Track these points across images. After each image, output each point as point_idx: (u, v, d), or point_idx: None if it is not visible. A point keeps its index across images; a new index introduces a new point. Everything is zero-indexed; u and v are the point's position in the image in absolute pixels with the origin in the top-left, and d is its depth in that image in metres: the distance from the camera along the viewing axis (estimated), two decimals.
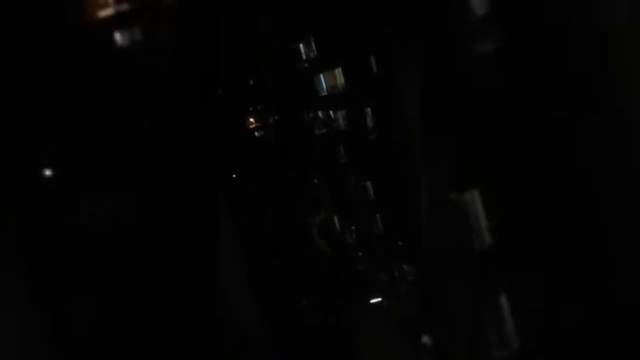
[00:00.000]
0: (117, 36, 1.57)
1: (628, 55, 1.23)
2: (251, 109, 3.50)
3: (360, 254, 3.40)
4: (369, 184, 3.23)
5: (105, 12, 1.54)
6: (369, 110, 3.03)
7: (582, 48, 1.28)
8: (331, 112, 3.35)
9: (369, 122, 3.05)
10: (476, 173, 1.54)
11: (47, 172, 1.70)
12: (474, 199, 1.48)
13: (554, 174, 1.37)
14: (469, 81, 1.51)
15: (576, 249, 1.35)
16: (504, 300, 1.49)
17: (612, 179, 1.29)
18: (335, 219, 3.57)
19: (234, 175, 3.23)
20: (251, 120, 3.46)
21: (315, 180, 3.58)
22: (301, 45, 3.30)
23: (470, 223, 1.50)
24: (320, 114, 3.41)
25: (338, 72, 3.15)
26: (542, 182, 1.38)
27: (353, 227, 3.42)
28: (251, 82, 3.44)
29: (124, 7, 1.57)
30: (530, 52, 1.37)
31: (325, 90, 3.29)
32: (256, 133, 3.52)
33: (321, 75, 3.26)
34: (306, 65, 3.31)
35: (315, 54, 3.24)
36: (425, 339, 2.34)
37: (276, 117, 3.51)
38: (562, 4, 1.30)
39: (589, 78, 1.28)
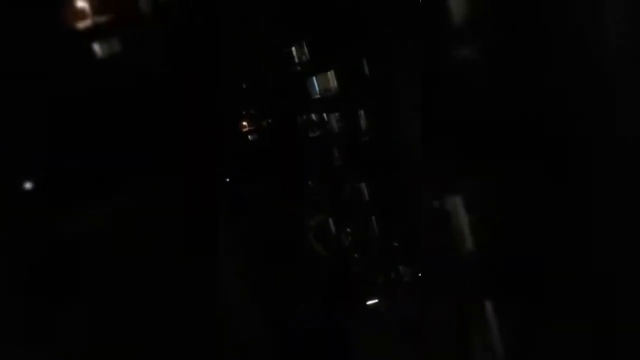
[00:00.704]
0: (96, 46, 1.58)
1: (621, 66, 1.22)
2: (245, 112, 3.50)
3: (356, 255, 3.39)
4: (363, 185, 3.22)
5: (84, 23, 1.54)
6: (362, 112, 3.01)
7: (572, 55, 1.27)
8: (324, 115, 3.35)
9: (363, 124, 3.04)
10: (463, 177, 1.53)
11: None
12: (456, 206, 1.47)
13: (543, 181, 1.36)
14: (462, 84, 1.51)
15: (561, 254, 1.35)
16: (488, 305, 1.48)
17: (602, 183, 1.28)
18: (331, 221, 3.57)
19: (227, 179, 3.23)
20: (245, 123, 3.46)
21: (310, 183, 3.58)
22: (294, 48, 3.30)
23: (454, 229, 1.49)
24: (313, 116, 3.41)
25: (331, 74, 3.14)
26: (530, 189, 1.38)
27: (349, 229, 3.42)
28: (244, 85, 3.45)
29: (102, 18, 1.57)
30: (518, 57, 1.36)
31: (318, 92, 3.29)
32: (250, 136, 3.53)
33: (314, 78, 3.26)
34: (299, 68, 3.31)
35: (308, 56, 3.24)
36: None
37: (270, 120, 3.51)
38: (551, 10, 1.29)
39: (580, 86, 1.28)
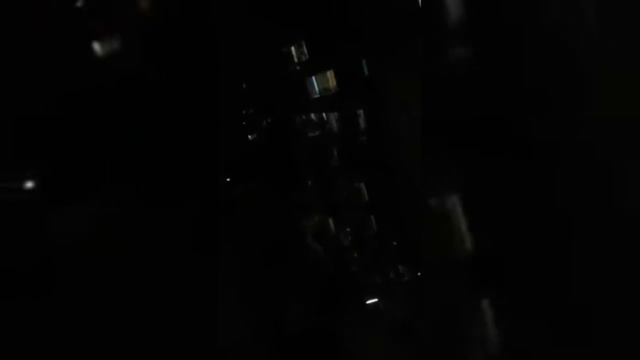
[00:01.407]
0: (85, 47, 1.58)
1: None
2: (244, 112, 3.50)
3: (355, 255, 3.39)
4: (362, 185, 3.22)
5: (78, 24, 1.54)
6: (361, 112, 3.01)
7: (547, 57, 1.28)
8: (324, 114, 3.35)
9: (362, 123, 3.04)
10: (460, 178, 1.53)
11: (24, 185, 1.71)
12: (454, 205, 1.47)
13: (532, 183, 1.36)
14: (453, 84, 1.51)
15: (553, 252, 1.35)
16: (485, 305, 1.48)
17: (590, 181, 1.28)
18: (330, 221, 3.57)
19: (227, 179, 3.24)
20: (244, 123, 3.47)
21: (309, 183, 3.58)
22: (293, 48, 3.30)
23: (451, 228, 1.49)
24: (312, 116, 3.42)
25: (330, 74, 3.13)
26: (522, 192, 1.38)
27: (347, 229, 3.42)
28: (244, 85, 3.45)
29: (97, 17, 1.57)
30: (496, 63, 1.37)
31: (317, 92, 3.29)
32: (249, 136, 3.53)
33: (313, 78, 3.26)
34: (298, 67, 3.31)
35: (307, 56, 3.23)
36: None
37: (269, 120, 3.51)
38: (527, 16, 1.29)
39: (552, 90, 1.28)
